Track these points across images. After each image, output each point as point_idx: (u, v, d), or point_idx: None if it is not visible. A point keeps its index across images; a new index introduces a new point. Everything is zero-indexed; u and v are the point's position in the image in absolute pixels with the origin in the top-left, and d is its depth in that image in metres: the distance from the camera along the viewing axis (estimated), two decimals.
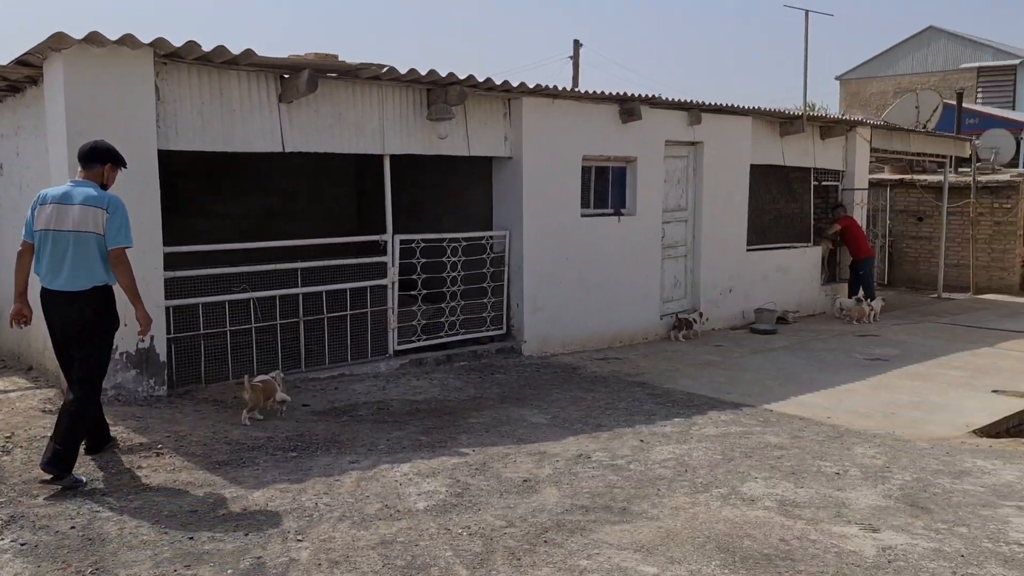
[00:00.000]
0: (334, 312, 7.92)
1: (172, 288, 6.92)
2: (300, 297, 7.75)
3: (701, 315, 10.64)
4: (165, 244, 6.79)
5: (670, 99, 10.19)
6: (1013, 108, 30.92)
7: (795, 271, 12.51)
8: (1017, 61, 32.93)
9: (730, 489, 5.06)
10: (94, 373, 5.08)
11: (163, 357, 6.78)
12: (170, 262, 6.89)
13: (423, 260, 8.43)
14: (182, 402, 6.73)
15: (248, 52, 6.68)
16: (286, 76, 7.22)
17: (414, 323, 8.49)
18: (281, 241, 8.09)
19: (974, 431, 6.63)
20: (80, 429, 4.97)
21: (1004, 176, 16.37)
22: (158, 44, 6.39)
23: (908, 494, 5.00)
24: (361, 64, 7.36)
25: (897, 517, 4.62)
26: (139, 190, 6.37)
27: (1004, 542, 4.31)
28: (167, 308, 6.84)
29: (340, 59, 7.41)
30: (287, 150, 7.41)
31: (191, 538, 4.17)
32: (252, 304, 7.34)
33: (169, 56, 6.62)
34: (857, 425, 6.64)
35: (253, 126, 7.18)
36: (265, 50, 6.86)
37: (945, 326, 11.84)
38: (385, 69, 7.49)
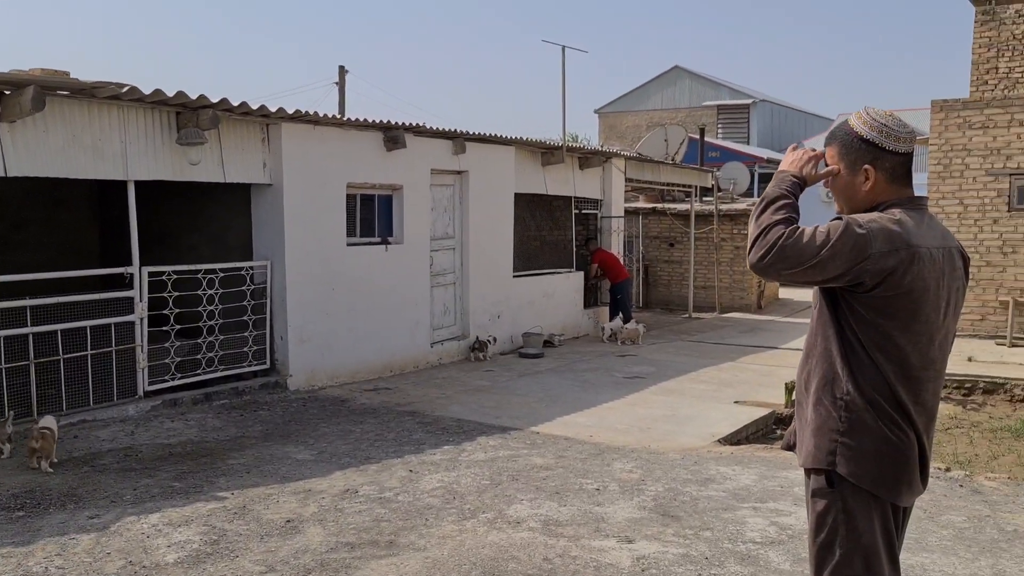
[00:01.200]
0: (72, 352, 7.19)
1: None
2: (30, 337, 6.97)
3: (494, 339, 11.14)
4: None
5: (435, 128, 10.27)
6: (748, 143, 34.38)
7: (560, 296, 13.01)
8: (750, 101, 36.71)
9: (497, 513, 5.09)
10: None
11: None
12: None
13: (176, 293, 7.89)
14: None
15: None
16: (7, 93, 6.51)
17: (167, 361, 7.90)
18: (6, 276, 7.24)
19: (718, 440, 7.15)
20: None
21: (741, 205, 18.06)
22: None
23: (661, 504, 5.27)
24: (97, 83, 6.79)
25: (651, 527, 4.85)
26: None
27: (741, 541, 4.64)
28: None
29: (72, 76, 6.80)
30: (10, 175, 6.65)
31: None
32: None
33: None
34: (617, 441, 6.95)
35: None
36: None
37: (695, 344, 12.78)
38: (126, 89, 6.95)
